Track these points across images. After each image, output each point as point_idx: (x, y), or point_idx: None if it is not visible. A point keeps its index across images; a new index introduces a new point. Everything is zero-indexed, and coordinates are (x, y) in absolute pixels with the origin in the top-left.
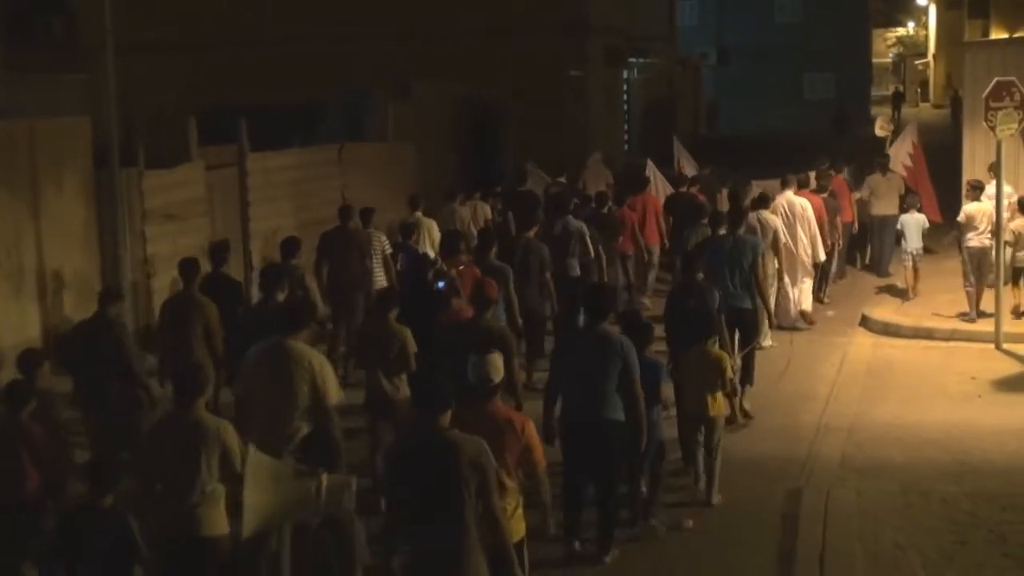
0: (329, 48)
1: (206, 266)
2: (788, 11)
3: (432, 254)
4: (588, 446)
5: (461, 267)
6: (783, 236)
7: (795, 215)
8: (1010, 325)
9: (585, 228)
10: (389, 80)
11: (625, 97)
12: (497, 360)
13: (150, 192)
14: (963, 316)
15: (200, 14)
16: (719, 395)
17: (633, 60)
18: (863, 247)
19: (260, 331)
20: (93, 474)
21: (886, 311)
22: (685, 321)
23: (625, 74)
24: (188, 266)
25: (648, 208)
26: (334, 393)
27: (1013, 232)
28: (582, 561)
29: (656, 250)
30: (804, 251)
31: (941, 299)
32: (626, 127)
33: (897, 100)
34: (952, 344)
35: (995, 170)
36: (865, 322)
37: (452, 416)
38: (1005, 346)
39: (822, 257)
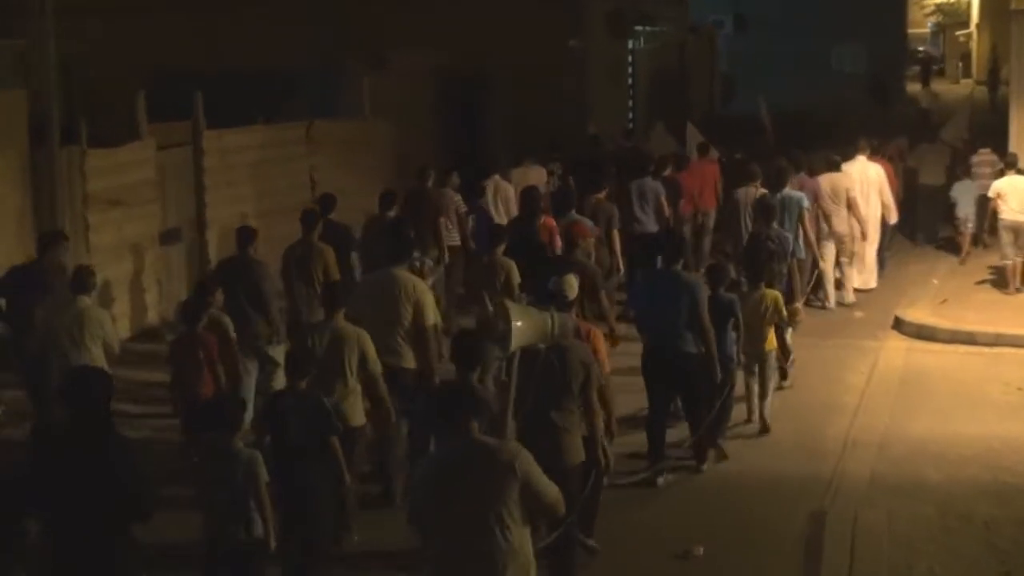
0: (297, 13)
1: None
2: None
3: (505, 212)
4: (667, 374)
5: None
6: (859, 199)
7: (870, 181)
8: None
9: (661, 188)
10: (364, 50)
11: (630, 70)
12: (572, 280)
13: (93, 174)
14: (1003, 289)
15: None
16: (771, 333)
17: (639, 28)
18: (912, 217)
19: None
20: (289, 363)
21: (921, 312)
22: (760, 263)
23: (630, 44)
24: (309, 216)
25: (707, 174)
26: (432, 315)
27: None
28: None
29: (712, 214)
30: (875, 216)
31: (978, 299)
32: (631, 104)
33: (926, 70)
34: (996, 350)
35: None
36: (898, 324)
37: None
38: None
39: (894, 219)
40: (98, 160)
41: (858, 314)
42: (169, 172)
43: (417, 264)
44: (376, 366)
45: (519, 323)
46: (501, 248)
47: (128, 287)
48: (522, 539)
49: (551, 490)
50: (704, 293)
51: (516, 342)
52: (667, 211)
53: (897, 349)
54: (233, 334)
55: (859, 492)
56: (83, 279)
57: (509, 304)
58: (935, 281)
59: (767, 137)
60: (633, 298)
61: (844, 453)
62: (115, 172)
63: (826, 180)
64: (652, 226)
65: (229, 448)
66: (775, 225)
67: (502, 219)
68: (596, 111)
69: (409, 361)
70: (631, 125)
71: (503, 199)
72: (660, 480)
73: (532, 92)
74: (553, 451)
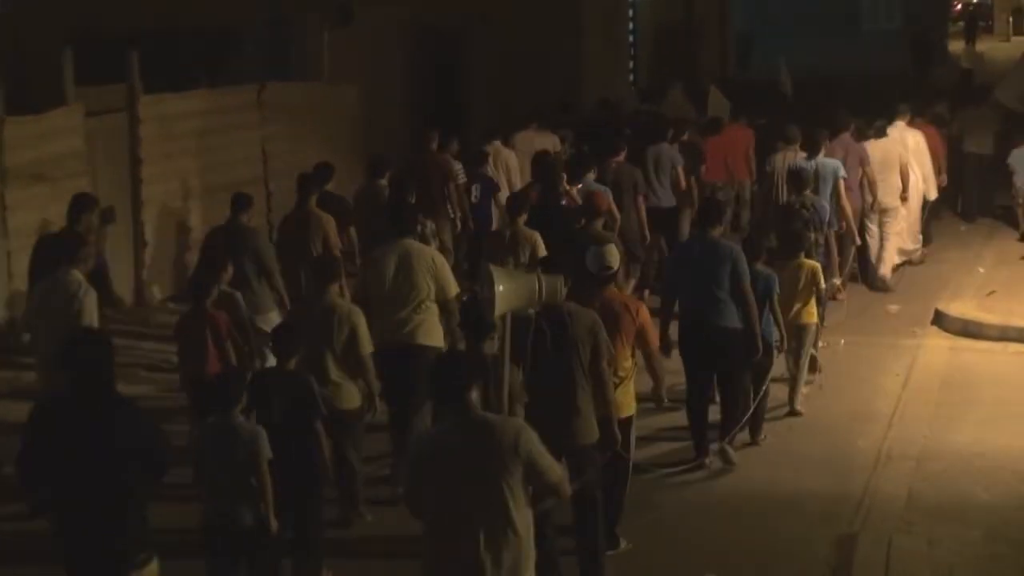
0: None
1: None
2: None
3: (507, 182)
4: (705, 349)
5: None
6: (911, 164)
7: (908, 148)
8: None
9: (679, 156)
10: (325, 2)
11: (631, 27)
12: (614, 250)
13: (12, 145)
14: None
15: None
16: (812, 305)
17: None
18: (957, 192)
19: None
20: (276, 341)
21: (966, 306)
22: (791, 234)
23: None
24: (306, 182)
25: (739, 140)
26: (453, 288)
27: None
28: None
29: (747, 185)
30: (916, 187)
31: None
32: (632, 65)
33: (972, 25)
34: None
35: None
36: (939, 319)
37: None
38: None
39: (933, 195)
40: (18, 129)
41: (892, 307)
42: (100, 143)
43: (418, 229)
44: (367, 347)
45: (502, 287)
46: (523, 218)
47: None
48: (523, 522)
49: (555, 469)
50: (746, 262)
51: (501, 307)
52: (682, 183)
53: (938, 348)
54: (244, 311)
55: (894, 513)
56: (69, 248)
57: (493, 268)
58: (981, 270)
59: (789, 106)
60: (668, 270)
61: (877, 468)
62: (38, 142)
63: (875, 146)
64: (668, 199)
65: (230, 425)
66: (809, 193)
67: (504, 189)
68: (592, 71)
69: (429, 338)
70: (632, 88)
71: (504, 167)
72: (707, 460)
73: (519, 50)
74: (564, 431)
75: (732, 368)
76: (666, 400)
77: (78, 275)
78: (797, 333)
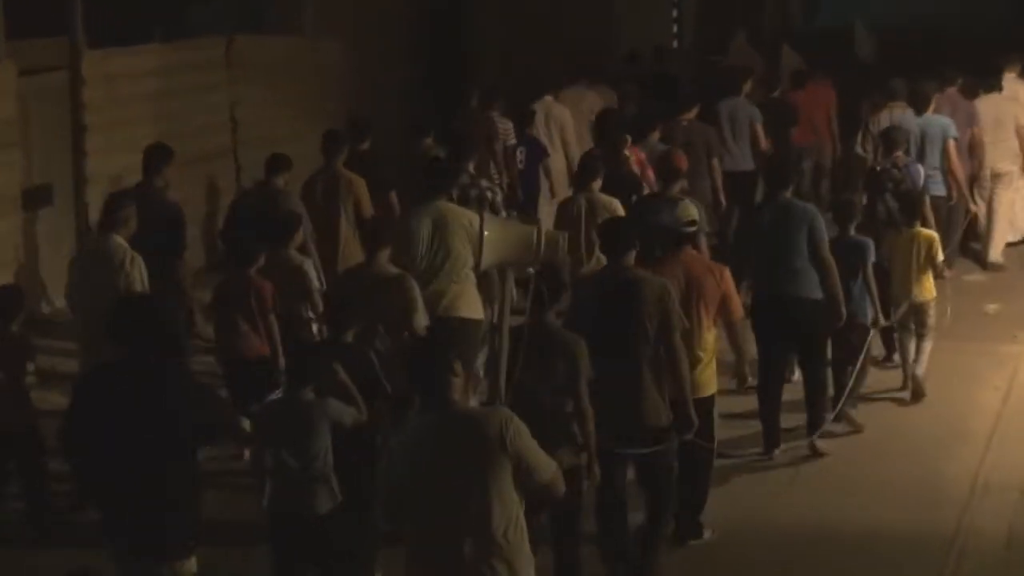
0: None
1: None
2: None
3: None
4: (781, 324)
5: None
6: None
7: (1021, 106)
8: None
9: (757, 112)
10: None
11: None
12: (690, 207)
13: None
14: None
15: None
16: (929, 278)
17: None
18: None
19: None
20: (331, 312)
21: None
22: (887, 202)
23: None
24: (332, 138)
25: (820, 98)
26: None
27: None
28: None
29: (828, 149)
30: None
31: None
32: (676, 14)
33: None
34: None
35: None
36: None
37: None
38: None
39: None
40: None
41: (991, 307)
42: (36, 107)
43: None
44: (422, 318)
45: (489, 233)
46: (598, 183)
47: None
48: (515, 526)
49: (548, 467)
50: (823, 223)
51: (488, 258)
52: (763, 143)
53: None
54: (315, 284)
55: (993, 554)
56: (106, 211)
57: (486, 216)
58: None
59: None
60: (740, 237)
61: (972, 500)
62: None
63: (988, 103)
64: (745, 162)
65: (308, 402)
66: (901, 154)
67: (557, 150)
68: (627, 20)
69: (471, 310)
70: (676, 42)
71: (558, 126)
72: (777, 452)
73: (535, 2)
74: (628, 412)
75: (813, 345)
76: (750, 378)
77: (120, 240)
78: (917, 311)
